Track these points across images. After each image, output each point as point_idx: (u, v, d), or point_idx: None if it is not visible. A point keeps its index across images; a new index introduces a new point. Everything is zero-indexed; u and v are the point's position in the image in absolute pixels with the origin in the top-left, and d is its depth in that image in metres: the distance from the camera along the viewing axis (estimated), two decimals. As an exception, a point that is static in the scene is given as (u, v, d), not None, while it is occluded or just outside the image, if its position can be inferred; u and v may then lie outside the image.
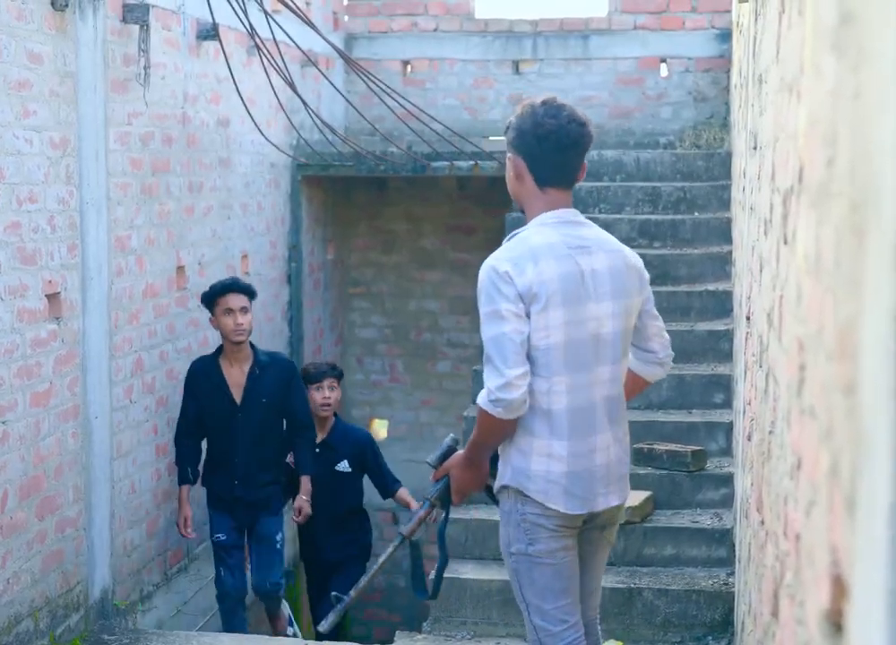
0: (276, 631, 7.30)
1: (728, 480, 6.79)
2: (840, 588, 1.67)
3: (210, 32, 7.45)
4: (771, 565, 3.03)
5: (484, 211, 11.19)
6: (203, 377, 6.98)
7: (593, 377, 4.04)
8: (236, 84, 7.48)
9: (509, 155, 4.17)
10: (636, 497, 6.67)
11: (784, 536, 2.67)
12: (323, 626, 4.60)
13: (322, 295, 10.43)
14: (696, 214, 8.78)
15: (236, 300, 6.87)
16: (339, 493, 7.47)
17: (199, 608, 7.36)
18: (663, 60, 10.61)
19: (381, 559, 4.52)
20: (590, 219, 8.41)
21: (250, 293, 6.99)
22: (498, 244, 9.00)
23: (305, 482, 7.19)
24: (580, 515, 4.07)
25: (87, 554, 6.31)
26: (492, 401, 3.89)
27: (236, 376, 6.98)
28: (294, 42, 7.71)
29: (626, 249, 4.28)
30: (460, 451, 4.25)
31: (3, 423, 5.44)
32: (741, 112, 6.94)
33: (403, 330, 11.35)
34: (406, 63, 10.96)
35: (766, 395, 3.55)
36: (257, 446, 6.96)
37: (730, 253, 8.23)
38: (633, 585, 6.33)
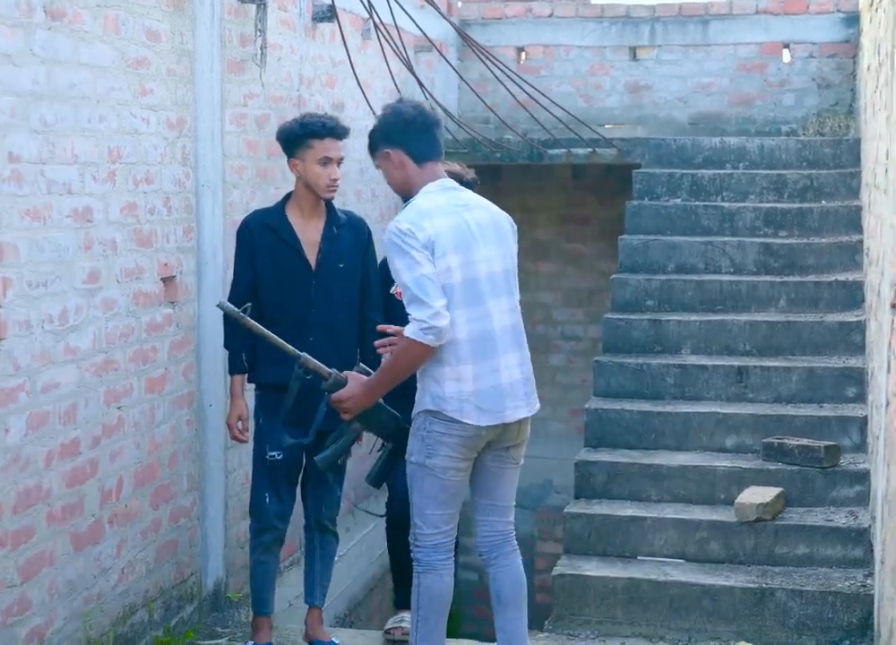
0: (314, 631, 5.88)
1: (863, 477, 6.50)
2: None
3: (325, 13, 7.30)
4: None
5: (599, 201, 10.96)
6: (269, 234, 5.52)
7: (490, 308, 4.74)
8: (353, 67, 7.32)
9: (386, 151, 4.89)
10: (766, 494, 6.42)
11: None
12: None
13: (433, 286, 10.23)
14: (823, 202, 8.47)
15: (336, 148, 5.53)
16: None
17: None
18: (786, 45, 10.30)
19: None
20: (713, 206, 8.40)
21: (345, 137, 5.62)
22: (614, 235, 8.79)
23: None
24: (487, 432, 4.71)
25: (201, 545, 6.18)
26: (423, 330, 4.55)
27: (310, 234, 5.56)
28: (416, 24, 7.55)
29: (494, 207, 5.03)
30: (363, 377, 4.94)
31: (118, 408, 5.31)
32: (878, 93, 6.64)
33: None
34: (520, 49, 10.75)
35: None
36: (333, 324, 5.54)
37: (860, 242, 7.93)
38: (764, 585, 6.07)
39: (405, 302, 4.67)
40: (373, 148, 4.98)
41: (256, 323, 5.13)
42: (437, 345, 4.61)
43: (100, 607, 5.23)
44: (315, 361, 5.08)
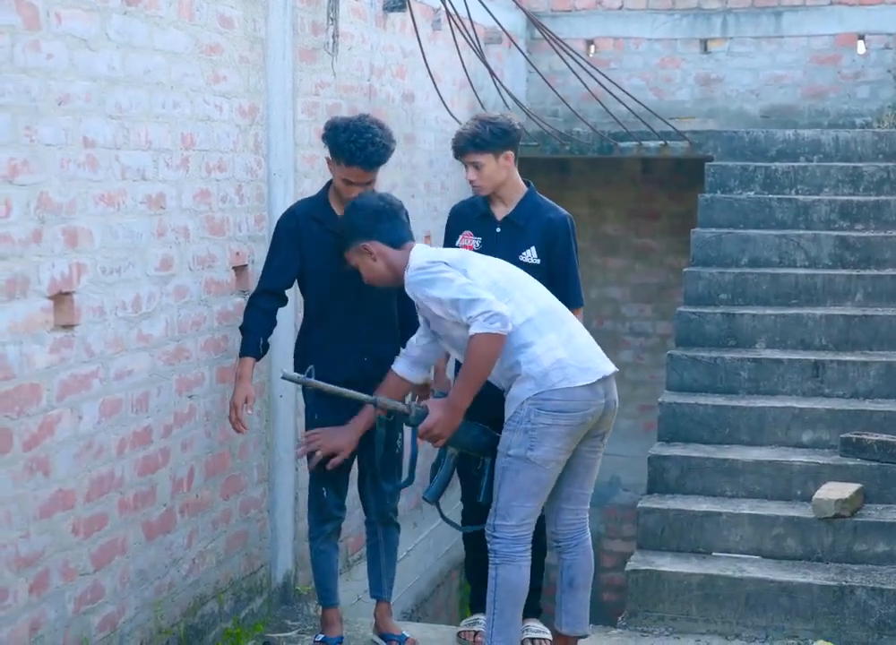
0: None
1: (945, 474, 6.36)
2: None
3: (396, 3, 7.24)
4: None
5: (669, 196, 10.84)
6: (315, 225, 5.34)
7: (538, 291, 4.98)
8: (425, 58, 7.25)
9: (362, 245, 4.99)
10: (845, 490, 6.29)
11: None
12: None
13: (501, 280, 10.16)
14: (901, 195, 8.32)
15: (362, 175, 5.25)
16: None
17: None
18: (861, 37, 10.12)
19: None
20: (787, 199, 8.27)
21: (379, 166, 5.33)
22: (686, 229, 8.67)
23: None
24: (593, 418, 4.83)
25: (270, 537, 6.14)
26: (488, 319, 4.62)
27: None
28: (491, 14, 7.46)
29: None
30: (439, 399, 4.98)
31: (190, 397, 5.28)
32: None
33: (584, 317, 10.95)
34: (589, 42, 10.63)
35: None
36: (382, 314, 5.43)
37: (940, 235, 7.78)
38: (843, 583, 5.94)
39: (459, 315, 4.71)
40: (345, 247, 5.07)
41: (324, 383, 5.09)
42: (506, 332, 4.68)
43: (171, 597, 5.20)
44: (391, 401, 5.09)
